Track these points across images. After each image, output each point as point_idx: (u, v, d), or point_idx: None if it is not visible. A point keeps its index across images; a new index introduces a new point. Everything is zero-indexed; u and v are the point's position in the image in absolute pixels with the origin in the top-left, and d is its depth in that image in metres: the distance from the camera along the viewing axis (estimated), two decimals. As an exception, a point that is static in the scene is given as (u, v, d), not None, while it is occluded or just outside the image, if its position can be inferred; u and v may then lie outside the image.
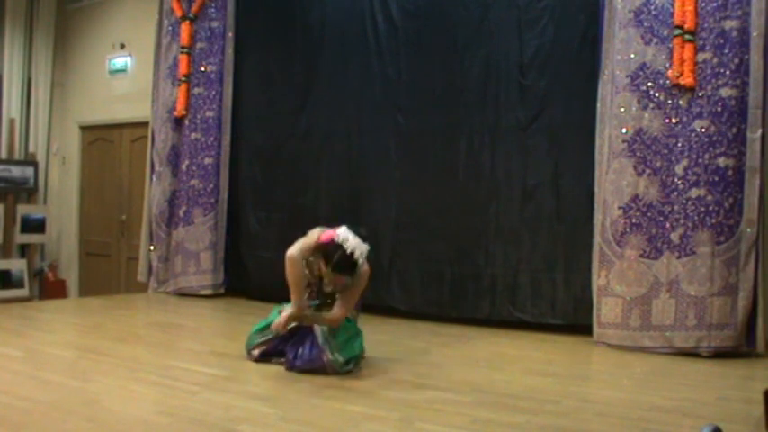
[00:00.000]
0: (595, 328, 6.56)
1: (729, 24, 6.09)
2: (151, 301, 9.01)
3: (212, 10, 9.25)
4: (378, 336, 6.73)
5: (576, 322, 6.93)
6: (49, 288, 11.14)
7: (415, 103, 7.90)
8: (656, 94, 6.33)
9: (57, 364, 5.34)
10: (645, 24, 6.42)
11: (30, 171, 11.14)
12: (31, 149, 11.30)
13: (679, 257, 6.19)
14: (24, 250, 11.03)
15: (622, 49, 6.48)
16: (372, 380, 5.06)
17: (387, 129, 8.05)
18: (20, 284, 10.52)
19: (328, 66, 8.56)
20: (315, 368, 5.13)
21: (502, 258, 7.39)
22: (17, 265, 10.66)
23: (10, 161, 10.96)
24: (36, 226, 11.06)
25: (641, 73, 6.40)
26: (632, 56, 6.44)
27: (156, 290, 9.33)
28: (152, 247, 9.43)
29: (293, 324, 5.32)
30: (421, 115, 7.85)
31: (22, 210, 10.96)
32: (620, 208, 6.42)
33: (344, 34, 8.44)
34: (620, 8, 6.51)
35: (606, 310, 6.47)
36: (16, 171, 10.98)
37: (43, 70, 11.47)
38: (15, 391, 4.58)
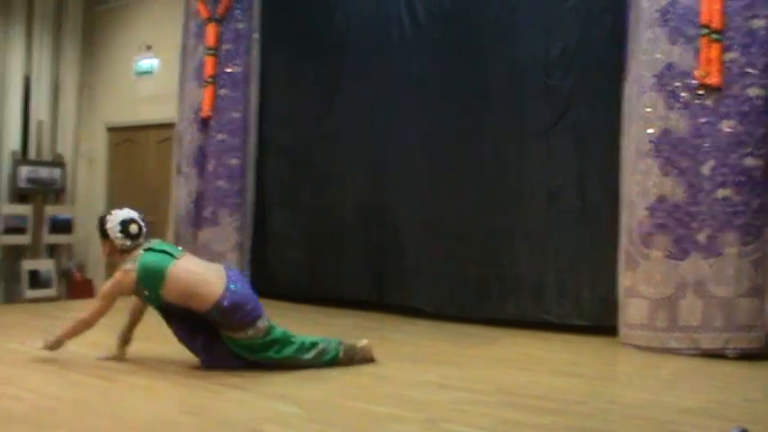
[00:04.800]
0: (621, 330, 6.53)
1: (757, 23, 6.04)
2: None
3: (238, 11, 9.29)
4: (403, 336, 6.76)
5: (602, 323, 6.90)
6: (76, 288, 11.20)
7: (441, 103, 7.89)
8: (683, 94, 6.28)
9: (83, 364, 5.37)
10: (671, 24, 6.37)
11: (58, 172, 11.22)
12: (58, 151, 11.39)
13: (706, 258, 6.14)
14: (52, 250, 11.11)
15: (648, 49, 6.44)
16: (397, 380, 5.06)
17: (412, 130, 8.06)
18: (48, 284, 10.60)
19: (354, 67, 8.58)
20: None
21: (527, 259, 7.38)
22: (45, 265, 10.75)
23: (38, 162, 11.05)
24: (64, 226, 11.15)
25: (667, 73, 6.35)
26: (658, 56, 6.39)
27: (183, 290, 9.36)
28: (178, 248, 9.46)
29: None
30: (446, 116, 7.84)
31: (50, 210, 11.05)
32: (645, 209, 6.37)
33: (370, 36, 8.46)
34: (647, 8, 6.46)
35: (632, 311, 6.43)
36: (44, 172, 11.07)
37: (71, 72, 11.56)
38: (42, 390, 4.62)
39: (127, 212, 5.49)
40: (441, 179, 7.88)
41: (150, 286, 5.21)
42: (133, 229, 5.43)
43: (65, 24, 11.47)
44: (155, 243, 5.44)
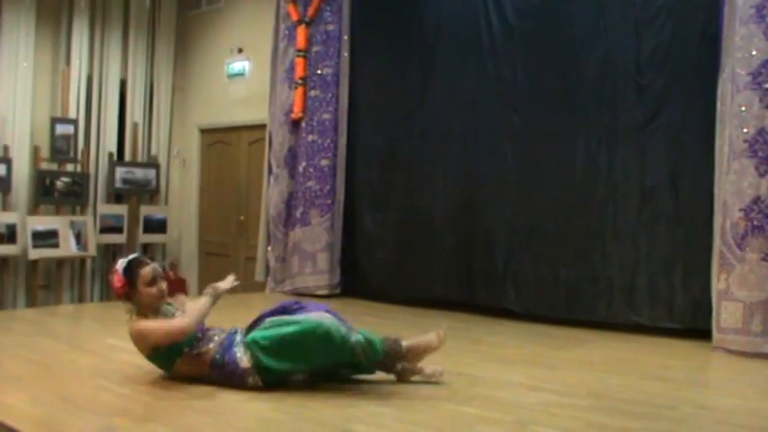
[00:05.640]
0: (714, 334, 6.38)
1: None
2: (268, 301, 9.11)
3: (328, 13, 9.37)
4: (492, 338, 6.75)
5: (695, 327, 6.77)
6: (169, 286, 11.38)
7: (531, 103, 7.83)
8: (780, 93, 6.14)
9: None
10: (767, 20, 6.22)
11: (152, 173, 11.49)
12: (153, 152, 11.67)
13: (803, 261, 6.00)
14: (146, 249, 11.36)
15: (743, 47, 6.28)
16: (487, 382, 5.06)
17: (502, 130, 8.02)
18: (143, 283, 10.85)
19: (443, 67, 8.57)
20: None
21: (618, 260, 7.28)
22: (140, 265, 11.00)
23: (133, 164, 11.33)
24: (158, 226, 11.41)
25: (763, 71, 6.18)
26: (754, 53, 6.23)
27: (273, 289, 9.50)
28: (270, 248, 9.61)
29: None
30: (537, 116, 7.79)
31: (145, 210, 11.32)
32: (740, 210, 6.22)
33: (459, 35, 8.44)
34: (741, 4, 6.30)
35: (726, 314, 6.28)
36: (139, 173, 11.35)
37: (164, 75, 11.83)
38: (138, 384, 4.75)
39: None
40: (531, 179, 7.83)
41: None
42: None
43: (158, 30, 11.76)
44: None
